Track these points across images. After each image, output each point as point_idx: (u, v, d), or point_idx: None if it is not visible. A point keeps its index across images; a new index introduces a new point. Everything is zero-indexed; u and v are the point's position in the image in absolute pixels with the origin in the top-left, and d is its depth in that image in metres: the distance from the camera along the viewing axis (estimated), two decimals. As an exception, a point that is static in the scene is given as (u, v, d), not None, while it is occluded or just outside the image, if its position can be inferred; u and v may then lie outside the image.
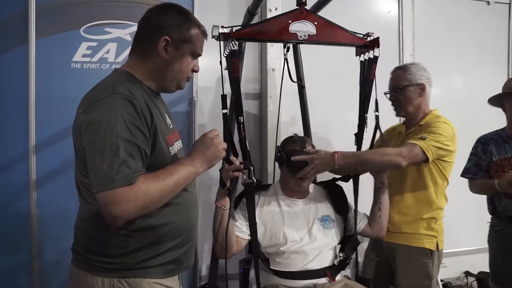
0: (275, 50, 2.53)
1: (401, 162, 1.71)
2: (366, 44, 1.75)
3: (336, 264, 1.80)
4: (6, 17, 2.17)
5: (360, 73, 1.82)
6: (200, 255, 2.46)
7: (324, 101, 2.60)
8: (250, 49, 2.51)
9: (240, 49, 2.00)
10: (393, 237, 1.92)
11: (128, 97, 1.11)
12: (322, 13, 1.83)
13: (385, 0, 2.89)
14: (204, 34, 1.30)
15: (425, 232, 1.87)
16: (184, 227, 1.26)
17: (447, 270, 2.10)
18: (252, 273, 1.80)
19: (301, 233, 1.79)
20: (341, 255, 1.82)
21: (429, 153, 1.73)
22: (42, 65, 2.19)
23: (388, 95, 1.98)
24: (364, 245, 2.62)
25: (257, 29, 1.69)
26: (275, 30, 1.65)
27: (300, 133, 2.21)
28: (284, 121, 2.51)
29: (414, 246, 1.88)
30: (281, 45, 2.25)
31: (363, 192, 1.89)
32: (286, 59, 1.86)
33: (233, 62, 1.59)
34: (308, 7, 1.70)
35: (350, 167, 1.81)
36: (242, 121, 1.60)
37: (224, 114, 1.60)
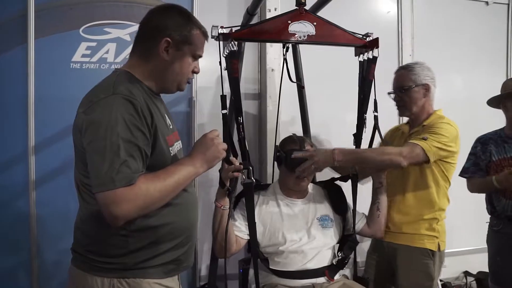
0: (274, 51, 2.53)
1: (402, 162, 1.71)
2: (365, 45, 1.75)
3: (334, 263, 1.81)
4: (6, 17, 2.17)
5: (359, 73, 1.82)
6: (200, 255, 2.46)
7: (324, 101, 2.60)
8: (250, 49, 2.51)
9: (240, 50, 2.00)
10: (394, 237, 1.92)
11: (129, 97, 1.11)
12: (322, 13, 1.83)
13: (384, 1, 2.89)
14: (205, 35, 1.30)
15: (426, 232, 1.87)
16: (184, 227, 1.26)
17: (446, 270, 2.10)
18: (251, 272, 1.81)
19: (300, 232, 1.80)
20: (340, 254, 1.82)
21: (430, 153, 1.73)
22: (41, 65, 2.19)
23: (392, 95, 1.97)
24: (363, 245, 2.63)
25: (256, 30, 1.70)
26: (275, 31, 1.66)
27: (300, 133, 2.21)
28: (284, 121, 2.51)
29: (415, 246, 1.87)
30: (280, 45, 2.25)
31: (362, 192, 1.89)
32: (285, 59, 1.86)
33: (233, 62, 1.59)
34: (307, 7, 1.70)
35: (349, 165, 1.80)
36: (241, 121, 1.60)
37: (223, 115, 1.60)
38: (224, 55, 1.62)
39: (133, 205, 1.07)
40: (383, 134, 1.95)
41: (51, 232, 2.20)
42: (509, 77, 3.07)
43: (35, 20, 2.18)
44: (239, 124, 1.60)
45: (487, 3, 3.07)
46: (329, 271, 1.77)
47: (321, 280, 1.75)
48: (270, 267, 1.76)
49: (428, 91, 1.91)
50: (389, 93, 1.97)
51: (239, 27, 1.67)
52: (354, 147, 1.84)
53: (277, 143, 2.03)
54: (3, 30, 2.17)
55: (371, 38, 1.75)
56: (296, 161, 1.77)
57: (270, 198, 1.87)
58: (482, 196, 2.17)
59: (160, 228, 1.20)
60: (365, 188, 1.95)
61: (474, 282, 2.94)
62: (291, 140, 1.89)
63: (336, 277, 1.79)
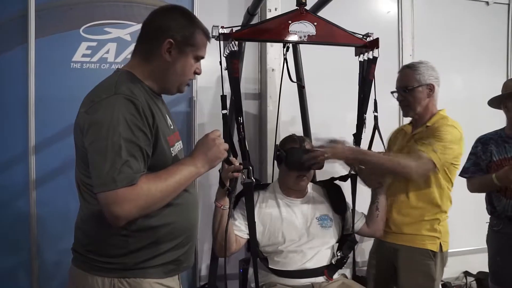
0: (275, 50, 2.53)
1: (413, 176, 1.76)
2: (365, 45, 1.75)
3: (333, 263, 1.82)
4: (6, 17, 2.17)
5: (359, 73, 1.82)
6: (200, 255, 2.46)
7: (324, 101, 2.60)
8: (250, 49, 2.51)
9: (240, 50, 2.00)
10: (396, 238, 1.91)
11: (130, 98, 1.12)
12: (322, 13, 1.83)
13: (385, 1, 2.90)
14: (207, 37, 1.30)
15: (428, 233, 1.85)
16: (185, 227, 1.27)
17: (446, 270, 2.10)
18: (250, 271, 1.81)
19: (299, 232, 1.80)
20: (339, 254, 1.83)
21: (439, 165, 1.75)
22: (41, 65, 2.19)
23: (395, 94, 1.96)
24: (363, 245, 2.63)
25: (257, 30, 1.70)
26: (275, 30, 1.66)
27: (300, 133, 2.21)
28: (284, 121, 2.51)
29: (416, 247, 1.85)
30: (280, 45, 2.25)
31: (361, 192, 1.89)
32: (285, 59, 1.87)
33: (233, 62, 1.59)
34: (308, 7, 1.70)
35: (357, 164, 1.81)
36: (241, 121, 1.60)
37: (224, 115, 1.60)
38: (225, 55, 1.62)
39: (135, 205, 1.07)
40: (386, 135, 1.95)
41: (51, 232, 2.20)
42: (509, 77, 3.07)
43: (36, 20, 2.18)
44: (239, 124, 1.60)
45: (487, 3, 3.07)
46: (328, 270, 1.78)
47: (320, 279, 1.76)
48: (270, 266, 1.77)
49: (432, 91, 1.89)
50: (392, 92, 1.97)
51: (239, 27, 1.67)
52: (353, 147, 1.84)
53: (277, 143, 2.03)
54: (4, 30, 2.17)
55: (371, 38, 1.75)
56: (296, 162, 1.78)
57: (269, 198, 1.87)
58: (482, 196, 2.17)
59: (160, 228, 1.20)
60: (365, 188, 1.95)
61: (474, 282, 2.95)
62: (291, 139, 1.89)
63: (335, 276, 1.80)
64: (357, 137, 1.83)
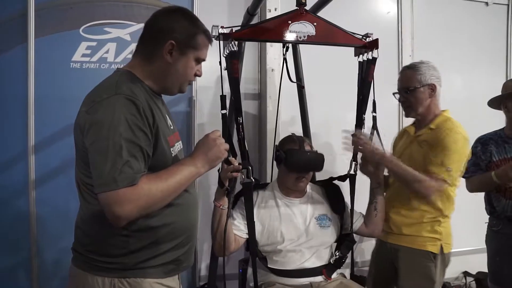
0: (274, 51, 2.54)
1: (429, 197, 1.78)
2: (365, 45, 1.75)
3: (332, 262, 1.82)
4: (6, 16, 2.17)
5: (359, 74, 1.82)
6: (200, 255, 2.46)
7: (324, 101, 2.60)
8: (250, 49, 2.51)
9: (240, 50, 2.00)
10: (397, 239, 1.90)
11: (131, 98, 1.12)
12: (322, 13, 1.83)
13: (384, 1, 2.90)
14: (209, 40, 1.31)
15: (428, 235, 1.83)
16: (185, 227, 1.27)
17: (446, 270, 2.11)
18: (249, 271, 1.81)
19: (298, 232, 1.81)
20: (337, 253, 1.84)
21: (452, 181, 1.78)
22: (41, 64, 2.19)
23: (397, 96, 1.95)
24: (362, 245, 2.63)
25: (257, 30, 1.70)
26: (275, 31, 1.66)
27: (299, 133, 2.21)
28: (284, 121, 2.51)
29: (416, 248, 1.84)
30: (280, 45, 2.25)
31: (360, 192, 1.89)
32: (285, 59, 1.87)
33: (233, 62, 1.59)
34: (307, 7, 1.70)
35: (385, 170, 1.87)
36: (241, 121, 1.60)
37: (223, 115, 1.60)
38: (224, 55, 1.62)
39: (136, 205, 1.07)
40: (386, 135, 1.94)
41: (51, 231, 2.20)
42: (509, 78, 3.07)
43: (35, 20, 2.18)
44: (239, 124, 1.60)
45: (486, 3, 3.07)
46: (326, 270, 1.79)
47: (319, 278, 1.77)
48: (269, 265, 1.78)
49: (434, 91, 1.87)
50: (394, 94, 1.96)
51: (239, 27, 1.67)
52: (353, 147, 1.84)
53: (277, 143, 2.03)
54: (3, 29, 2.17)
55: (371, 38, 1.75)
56: (295, 163, 1.79)
57: (269, 197, 1.88)
58: (481, 196, 2.17)
59: (161, 228, 1.20)
60: (363, 188, 1.95)
61: (474, 282, 2.95)
62: (290, 139, 1.90)
63: (334, 276, 1.81)
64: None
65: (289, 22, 1.64)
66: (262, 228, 1.80)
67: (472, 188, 2.12)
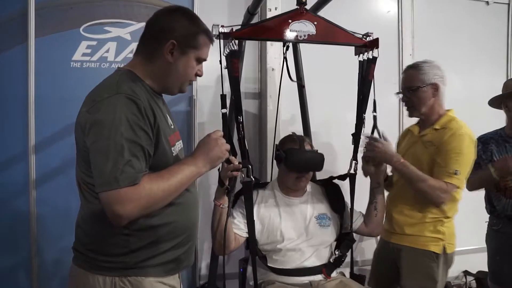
0: (275, 50, 2.53)
1: (438, 204, 1.78)
2: (365, 44, 1.75)
3: (332, 261, 1.83)
4: (6, 16, 2.17)
5: (359, 73, 1.82)
6: (200, 255, 2.46)
7: (324, 100, 2.60)
8: (250, 48, 2.51)
9: (240, 49, 2.00)
10: (400, 239, 1.89)
11: (132, 97, 1.12)
12: (322, 12, 1.83)
13: (385, 0, 2.89)
14: (210, 40, 1.31)
15: (431, 235, 1.82)
16: (185, 226, 1.27)
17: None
18: (249, 269, 1.81)
19: (298, 231, 1.81)
20: (337, 252, 1.85)
21: (461, 183, 1.78)
22: (41, 64, 2.19)
23: (400, 95, 1.94)
24: (362, 244, 2.63)
25: (257, 29, 1.70)
26: (275, 30, 1.66)
27: (300, 132, 2.21)
28: (284, 121, 2.51)
29: (419, 248, 1.83)
30: (281, 44, 2.25)
31: (360, 191, 1.89)
32: (285, 58, 1.87)
33: (233, 61, 1.59)
34: (308, 6, 1.70)
35: (398, 175, 1.87)
36: (241, 120, 1.61)
37: (223, 114, 1.60)
38: (225, 54, 1.62)
39: (137, 205, 1.07)
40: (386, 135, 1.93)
41: (51, 231, 2.20)
42: (509, 77, 3.07)
43: (36, 19, 2.18)
44: (239, 123, 1.60)
45: (487, 3, 3.07)
46: (326, 269, 1.80)
47: (318, 277, 1.77)
48: (268, 264, 1.78)
49: (437, 91, 1.86)
50: (397, 93, 1.95)
51: (239, 26, 1.67)
52: (353, 146, 1.83)
53: (277, 142, 2.03)
54: (4, 29, 2.16)
55: (371, 38, 1.75)
56: (295, 163, 1.79)
57: (269, 196, 1.88)
58: (482, 195, 2.17)
59: (161, 227, 1.20)
60: (363, 187, 1.94)
61: (474, 281, 2.95)
62: (290, 139, 1.90)
63: (333, 274, 1.81)
64: (356, 137, 1.83)
65: (290, 21, 1.64)
66: (262, 227, 1.80)
67: (472, 186, 2.11)
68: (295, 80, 2.11)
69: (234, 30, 1.60)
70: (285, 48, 1.92)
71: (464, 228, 2.74)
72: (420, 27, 2.90)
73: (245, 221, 1.73)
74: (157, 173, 1.14)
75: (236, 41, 1.58)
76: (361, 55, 1.79)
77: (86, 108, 1.15)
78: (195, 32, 1.25)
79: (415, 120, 2.00)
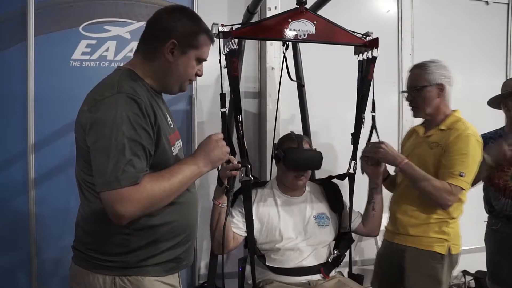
0: (274, 49, 2.53)
1: (444, 206, 1.75)
2: (365, 44, 1.75)
3: (330, 261, 1.83)
4: (5, 14, 2.17)
5: (358, 72, 1.82)
6: (199, 254, 2.47)
7: (324, 99, 2.60)
8: (250, 48, 2.51)
9: (240, 48, 2.00)
10: (404, 239, 1.85)
11: (133, 96, 1.12)
12: (322, 12, 1.83)
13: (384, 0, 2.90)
14: (211, 40, 1.30)
15: (436, 235, 1.79)
16: (185, 226, 1.27)
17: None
18: (248, 269, 1.82)
19: (297, 230, 1.81)
20: (336, 252, 1.85)
21: (467, 186, 1.76)
22: (41, 63, 2.19)
23: (405, 94, 1.91)
24: (361, 244, 2.63)
25: (256, 28, 1.70)
26: (275, 29, 1.66)
27: (299, 131, 2.21)
28: (284, 120, 2.51)
29: (423, 249, 1.80)
30: (280, 44, 2.25)
31: (359, 191, 1.90)
32: (285, 57, 1.86)
33: (233, 61, 1.59)
34: (307, 6, 1.70)
35: (403, 176, 1.84)
36: (240, 119, 1.61)
37: (223, 113, 1.60)
38: (224, 53, 1.62)
39: (138, 205, 1.07)
40: (386, 135, 1.92)
41: (51, 230, 2.20)
42: (509, 77, 3.07)
43: (35, 18, 2.17)
44: (238, 122, 1.61)
45: (487, 2, 3.07)
46: (324, 268, 1.80)
47: (317, 277, 1.78)
48: (267, 263, 1.79)
49: (443, 91, 1.82)
50: (403, 92, 1.94)
51: (239, 25, 1.67)
52: (352, 146, 1.83)
53: (276, 142, 2.03)
54: (3, 27, 2.16)
55: (370, 37, 1.75)
56: (294, 162, 1.79)
57: (267, 195, 1.88)
58: (481, 195, 2.17)
59: (162, 226, 1.21)
60: (362, 187, 1.94)
61: (473, 281, 2.95)
62: (289, 138, 1.90)
63: (332, 274, 1.82)
64: (355, 137, 1.83)
65: (289, 20, 1.64)
66: (261, 226, 1.80)
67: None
68: (295, 79, 2.11)
69: (233, 29, 1.60)
70: (284, 47, 1.92)
71: (463, 228, 2.74)
72: (420, 26, 2.90)
73: (244, 220, 1.73)
74: (158, 172, 1.14)
75: (236, 40, 1.58)
76: (360, 54, 1.79)
77: (86, 107, 1.15)
78: (196, 32, 1.24)
79: (415, 120, 1.99)
